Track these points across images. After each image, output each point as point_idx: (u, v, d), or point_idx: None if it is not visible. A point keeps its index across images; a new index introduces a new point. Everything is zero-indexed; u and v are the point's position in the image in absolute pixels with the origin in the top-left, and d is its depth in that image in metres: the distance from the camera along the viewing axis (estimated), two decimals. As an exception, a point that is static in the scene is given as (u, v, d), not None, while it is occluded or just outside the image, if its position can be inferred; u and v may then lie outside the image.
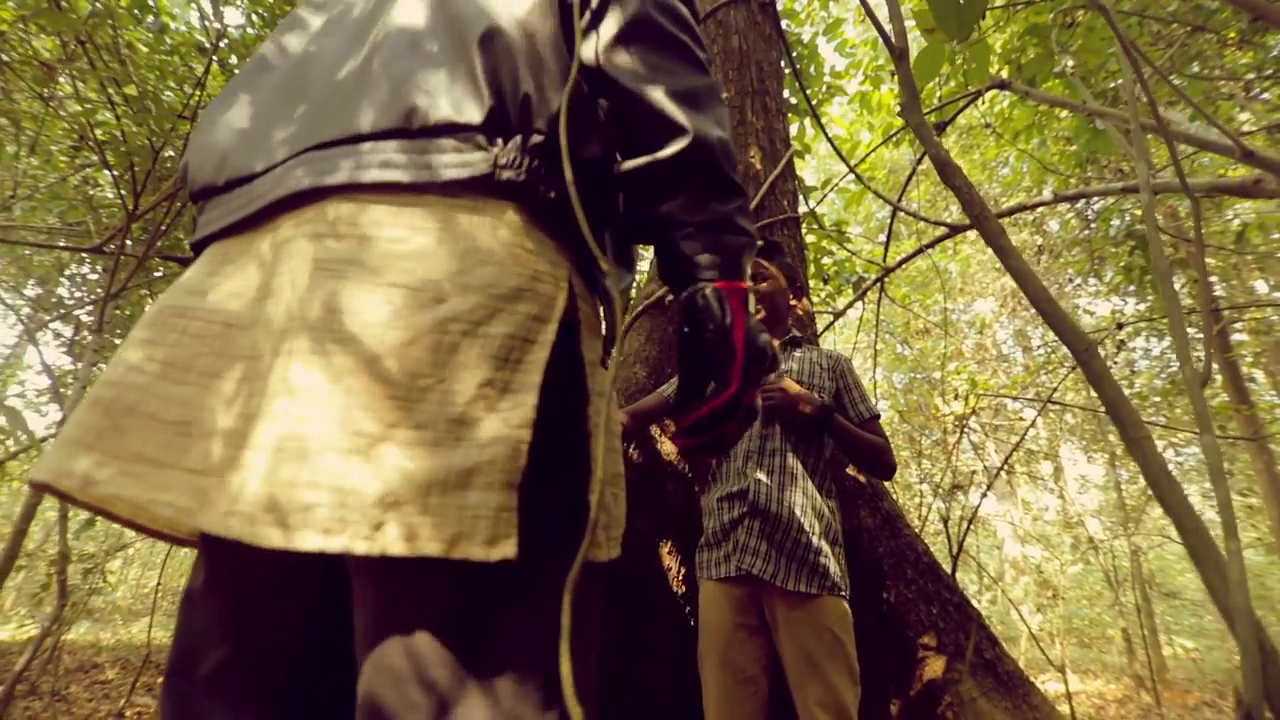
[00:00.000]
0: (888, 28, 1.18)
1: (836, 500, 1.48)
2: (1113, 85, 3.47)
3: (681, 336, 0.67)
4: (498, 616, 0.49)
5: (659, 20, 0.66)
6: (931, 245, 3.33)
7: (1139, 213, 5.04)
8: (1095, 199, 5.02)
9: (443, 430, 0.47)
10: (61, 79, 3.80)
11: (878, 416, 1.52)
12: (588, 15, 0.66)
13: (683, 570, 1.66)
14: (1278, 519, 5.11)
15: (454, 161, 0.55)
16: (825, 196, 3.60)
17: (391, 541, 0.44)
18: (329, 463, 0.45)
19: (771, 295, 1.59)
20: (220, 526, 0.48)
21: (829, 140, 3.16)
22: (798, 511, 1.39)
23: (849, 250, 3.86)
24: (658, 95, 0.64)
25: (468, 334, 0.49)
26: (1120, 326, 3.31)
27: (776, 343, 1.62)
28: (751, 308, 0.67)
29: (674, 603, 1.63)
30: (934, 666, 1.51)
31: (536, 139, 0.58)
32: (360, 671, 0.49)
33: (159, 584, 4.15)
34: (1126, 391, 6.43)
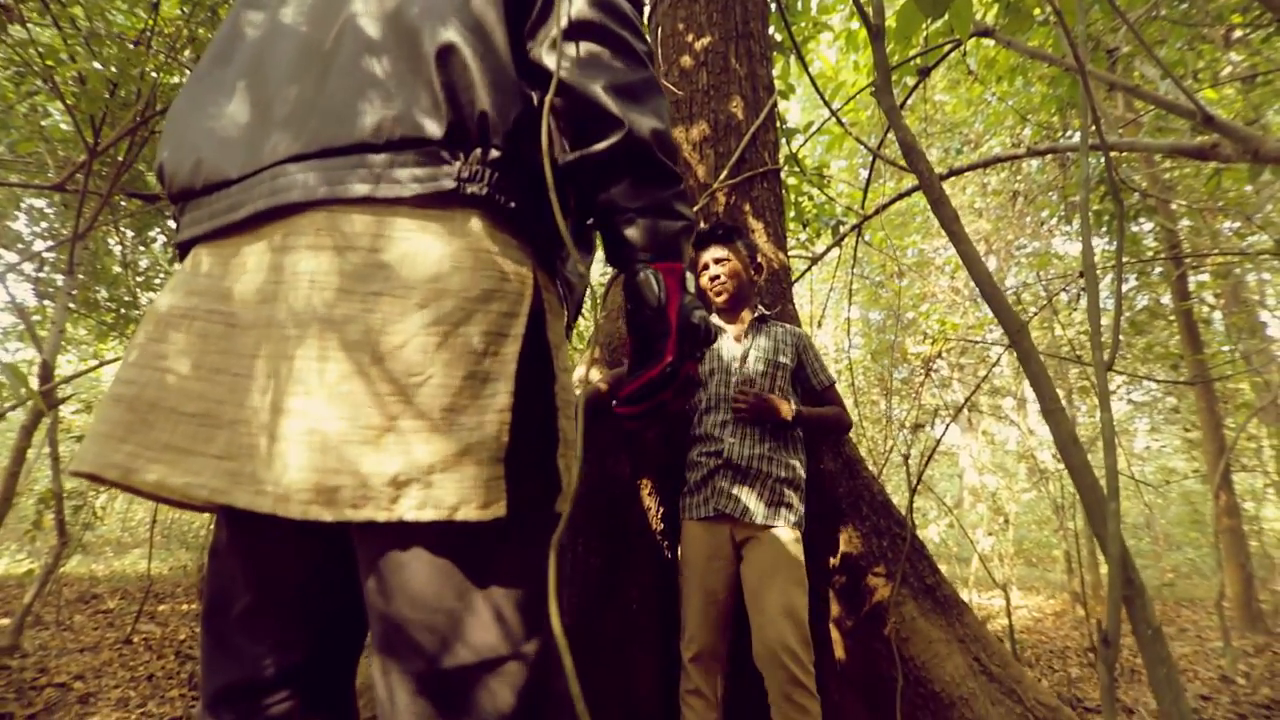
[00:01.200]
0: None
1: (802, 453, 1.70)
2: (1098, 31, 3.45)
3: (626, 314, 0.74)
4: (491, 558, 0.60)
5: (600, 18, 0.70)
6: (909, 193, 3.38)
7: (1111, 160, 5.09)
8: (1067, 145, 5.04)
9: (438, 418, 0.56)
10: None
11: (834, 383, 1.78)
12: (534, 13, 0.70)
13: (661, 509, 1.81)
14: (1213, 452, 5.50)
15: (421, 176, 0.61)
16: (805, 141, 3.59)
17: (406, 510, 0.54)
18: (349, 452, 0.55)
19: (734, 274, 1.77)
20: (265, 504, 0.58)
21: (813, 84, 3.13)
22: (765, 464, 1.62)
23: (829, 196, 3.89)
24: (596, 90, 0.68)
25: (449, 334, 0.58)
26: (1081, 274, 3.44)
27: (714, 318, 1.79)
28: (690, 287, 0.74)
29: (653, 538, 1.79)
30: (882, 592, 1.71)
31: (495, 153, 0.64)
32: (373, 605, 0.59)
33: (153, 521, 4.28)
34: (1082, 330, 6.70)
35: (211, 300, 0.65)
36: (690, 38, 2.59)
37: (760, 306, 1.84)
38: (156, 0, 3.09)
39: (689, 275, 0.75)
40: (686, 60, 2.56)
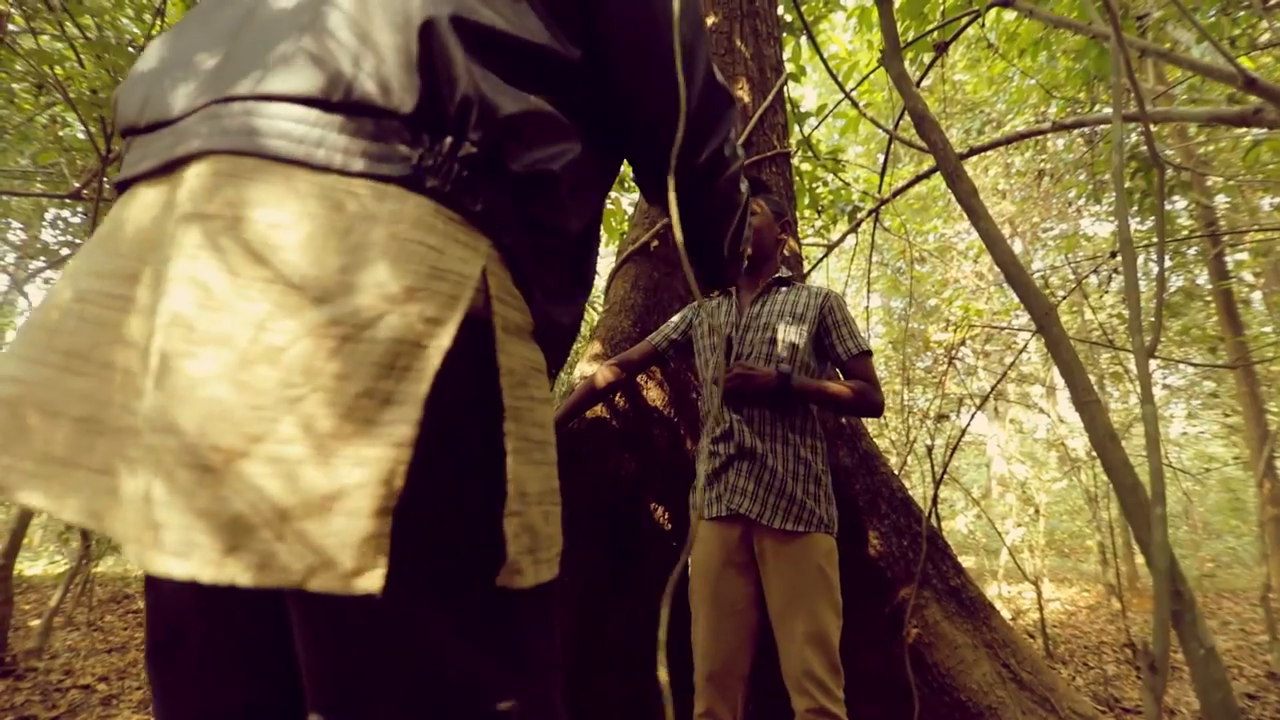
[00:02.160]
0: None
1: (823, 440, 1.52)
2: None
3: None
4: (393, 657, 0.49)
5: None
6: (927, 175, 3.25)
7: (1142, 134, 4.87)
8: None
9: (309, 447, 0.42)
10: (11, 10, 3.58)
11: (868, 352, 1.51)
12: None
13: (668, 511, 1.75)
14: (1256, 437, 5.26)
15: (371, 151, 0.49)
16: (819, 124, 3.47)
17: (241, 570, 0.41)
18: (182, 479, 0.42)
19: (758, 231, 1.57)
20: (118, 536, 0.47)
21: (824, 64, 3.02)
22: (782, 453, 1.44)
23: (844, 180, 3.77)
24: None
25: (349, 339, 0.44)
26: (1114, 255, 3.29)
27: (753, 295, 1.61)
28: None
29: (662, 539, 1.72)
30: (903, 595, 1.62)
31: (468, 148, 0.53)
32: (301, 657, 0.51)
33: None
34: (1117, 313, 6.45)
35: (106, 279, 0.54)
36: (694, 19, 2.50)
37: (783, 269, 1.64)
38: (161, 8, 3.09)
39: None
40: (690, 43, 2.47)
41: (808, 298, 1.56)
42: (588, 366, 1.80)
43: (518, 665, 0.54)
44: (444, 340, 0.47)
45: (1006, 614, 5.33)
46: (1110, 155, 4.46)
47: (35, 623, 4.04)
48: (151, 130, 0.56)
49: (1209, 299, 5.85)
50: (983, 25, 3.30)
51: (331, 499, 0.42)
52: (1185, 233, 5.18)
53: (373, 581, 0.42)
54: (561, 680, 0.61)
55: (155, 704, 0.61)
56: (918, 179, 3.23)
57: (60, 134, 4.61)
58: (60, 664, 3.30)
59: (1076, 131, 4.50)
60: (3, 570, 3.23)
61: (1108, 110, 2.54)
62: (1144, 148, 3.86)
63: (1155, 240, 4.35)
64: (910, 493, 1.86)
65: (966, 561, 8.95)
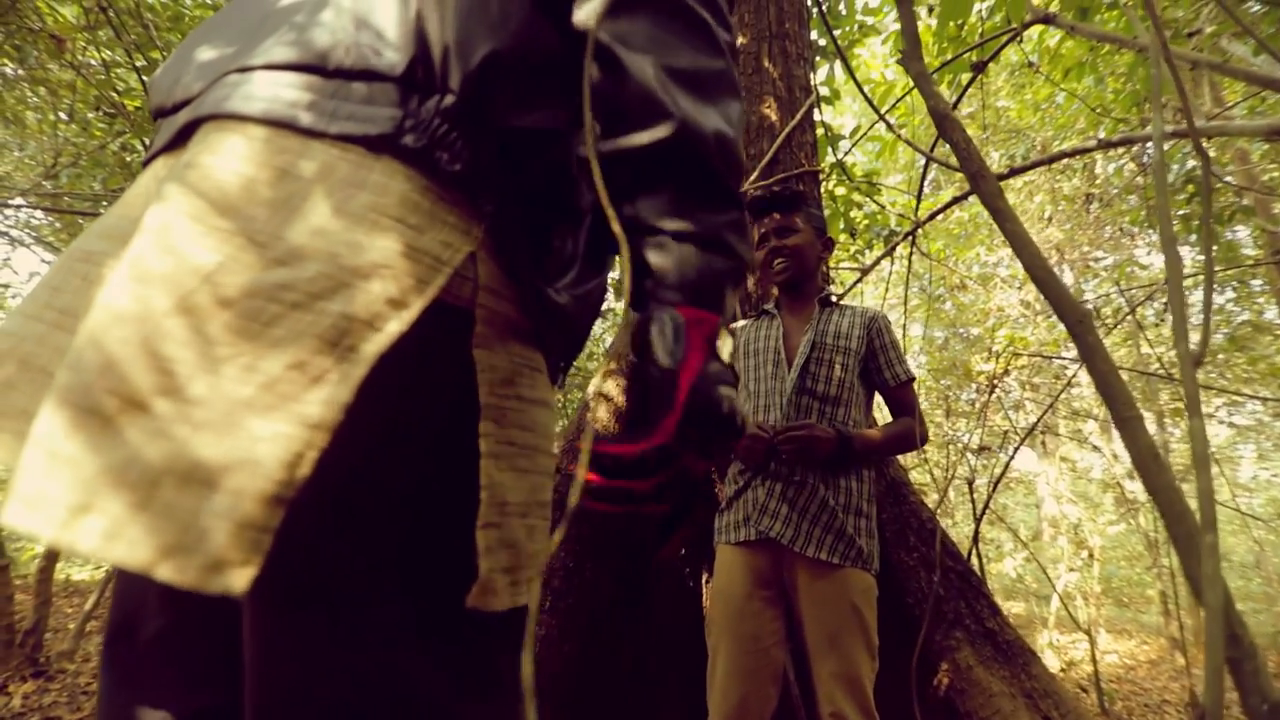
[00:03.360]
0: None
1: (871, 471, 1.42)
2: (1177, 16, 3.15)
3: (633, 368, 0.60)
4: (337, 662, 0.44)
5: None
6: (963, 198, 3.15)
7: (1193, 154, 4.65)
8: (1148, 146, 4.64)
9: (216, 412, 0.38)
10: (88, 46, 3.86)
11: (912, 379, 1.44)
12: None
13: (687, 535, 1.67)
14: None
15: (355, 113, 0.47)
16: (853, 146, 3.43)
17: (85, 534, 0.36)
18: (56, 423, 0.38)
19: (800, 249, 1.48)
20: None
21: (857, 85, 2.98)
22: (822, 475, 1.33)
23: (878, 203, 3.69)
24: (647, 71, 0.53)
25: (298, 306, 0.41)
26: (1167, 281, 3.10)
27: (805, 315, 1.48)
28: (723, 352, 0.54)
29: (677, 566, 1.65)
30: (932, 634, 1.50)
31: (449, 100, 0.49)
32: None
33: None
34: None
35: (110, 237, 0.54)
36: (722, 40, 2.51)
37: (828, 288, 1.55)
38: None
39: (724, 335, 0.54)
40: (718, 63, 2.48)
41: (853, 319, 1.47)
42: (603, 383, 1.76)
43: (484, 692, 0.49)
44: (398, 325, 0.43)
45: (1056, 664, 4.98)
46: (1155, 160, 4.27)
47: (74, 625, 4.16)
48: (176, 110, 0.55)
49: (1278, 332, 5.48)
50: (1020, 42, 3.22)
51: (220, 472, 0.37)
52: (1250, 261, 4.89)
53: (236, 580, 0.36)
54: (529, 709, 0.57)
55: (99, 698, 0.57)
56: (954, 201, 3.13)
57: (128, 160, 4.91)
58: (91, 667, 3.36)
59: (1126, 155, 4.33)
60: (43, 573, 3.34)
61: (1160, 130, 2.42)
62: (1199, 170, 3.68)
63: (1216, 270, 4.11)
64: (952, 530, 1.74)
65: (1015, 607, 8.45)
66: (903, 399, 1.42)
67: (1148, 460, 0.72)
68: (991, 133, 6.85)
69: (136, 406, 0.38)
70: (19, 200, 5.39)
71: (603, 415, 1.65)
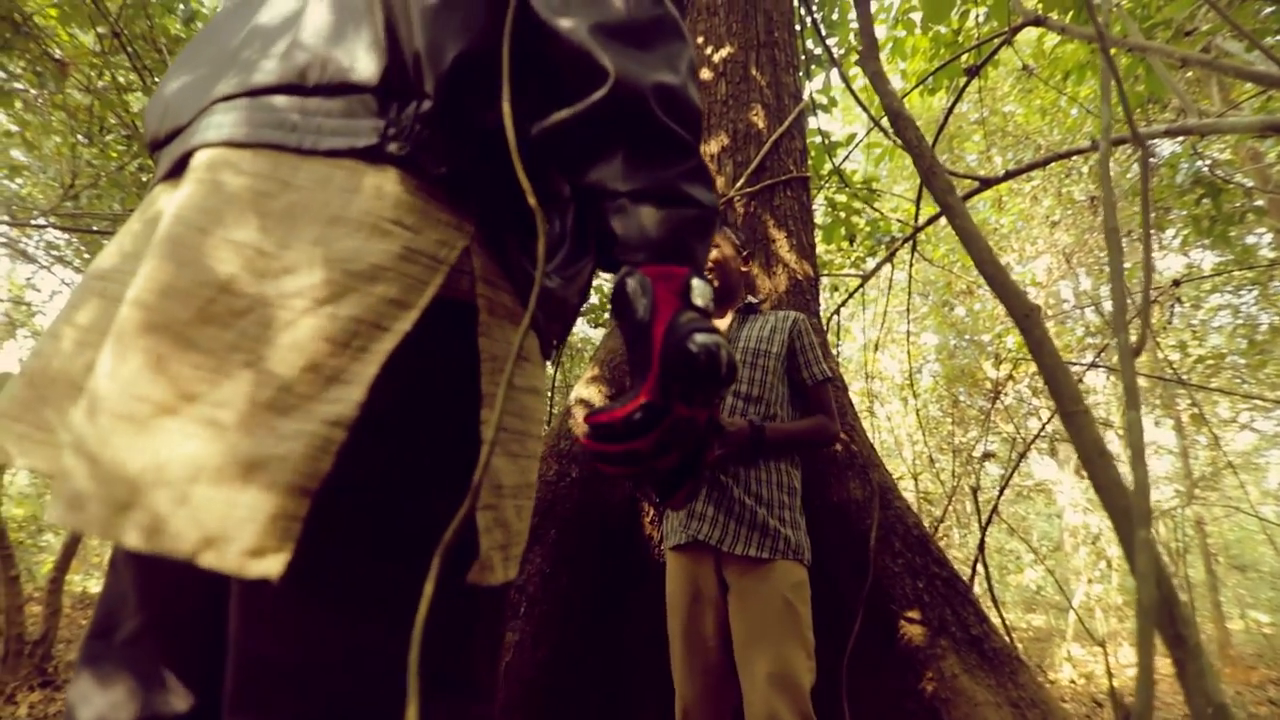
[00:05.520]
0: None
1: (796, 461, 1.45)
2: (1178, 17, 3.12)
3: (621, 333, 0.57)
4: (340, 635, 0.46)
5: None
6: (966, 197, 3.12)
7: (1210, 157, 4.58)
8: (1165, 144, 4.57)
9: (241, 413, 0.41)
10: (103, 70, 3.98)
11: (830, 379, 1.48)
12: None
13: (663, 539, 1.66)
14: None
15: (340, 128, 0.49)
16: (849, 154, 3.42)
17: (129, 530, 0.39)
18: (101, 426, 0.41)
19: (721, 266, 1.54)
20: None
21: (851, 92, 2.99)
22: (745, 474, 1.36)
23: (875, 210, 3.68)
24: (578, 31, 0.52)
25: (308, 312, 0.44)
26: (1177, 284, 3.05)
27: (725, 324, 1.52)
28: (697, 299, 0.53)
29: (655, 571, 1.64)
30: (916, 641, 1.47)
31: (426, 105, 0.51)
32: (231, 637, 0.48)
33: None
34: (1197, 350, 5.95)
35: (121, 255, 0.56)
36: (709, 50, 2.52)
37: (749, 297, 1.60)
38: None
39: (696, 284, 0.54)
40: (705, 73, 2.49)
41: (777, 321, 1.52)
42: (584, 389, 1.76)
43: (466, 674, 0.51)
44: (404, 324, 0.46)
45: (1075, 677, 4.83)
46: (1168, 178, 4.20)
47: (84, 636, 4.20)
48: (169, 140, 0.58)
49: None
50: (1012, 45, 3.20)
51: (250, 468, 0.40)
52: (1267, 263, 4.78)
53: (272, 566, 0.39)
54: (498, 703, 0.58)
55: (73, 690, 0.57)
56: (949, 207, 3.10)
57: (145, 180, 5.05)
58: (99, 678, 3.40)
59: (1130, 158, 4.27)
60: (53, 584, 3.40)
61: (1153, 126, 2.39)
62: (1208, 172, 3.60)
63: (1224, 271, 4.02)
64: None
65: (1035, 620, 8.23)
66: (818, 397, 1.46)
67: (1093, 455, 0.70)
68: (999, 137, 6.80)
69: (167, 411, 0.41)
70: (41, 221, 5.55)
71: (582, 419, 1.66)
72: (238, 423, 0.41)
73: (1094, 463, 0.69)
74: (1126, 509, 0.66)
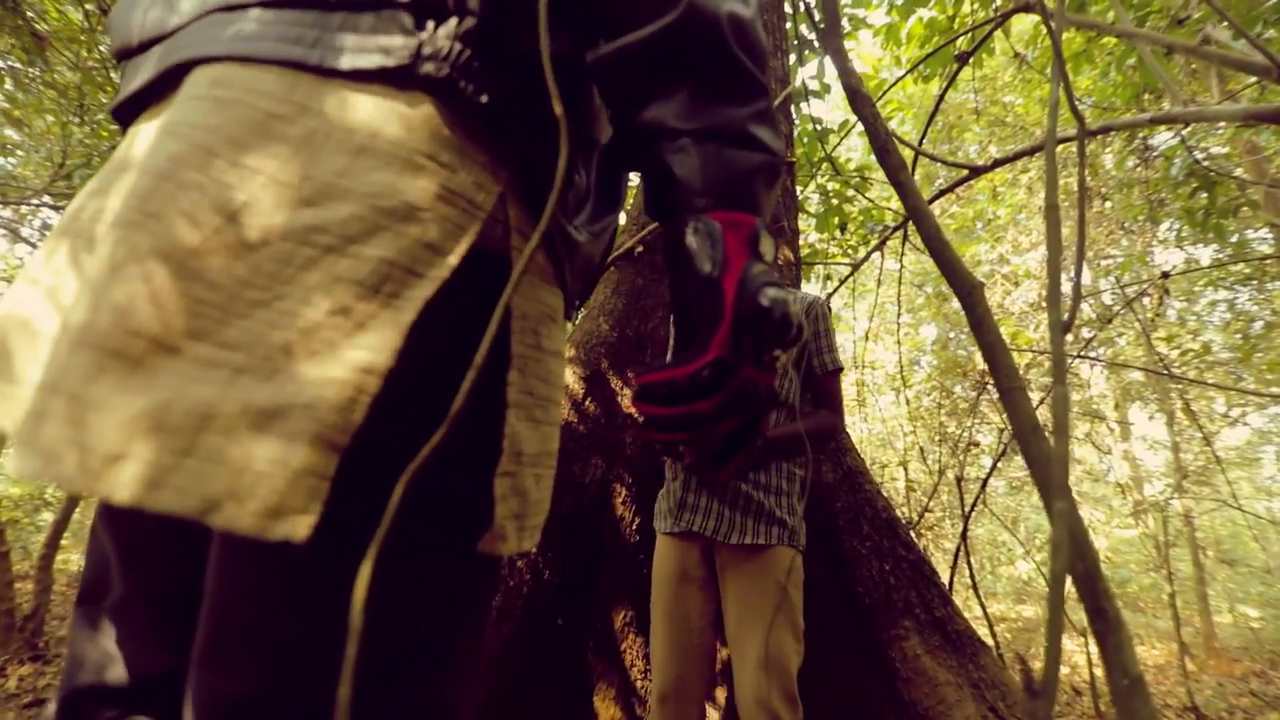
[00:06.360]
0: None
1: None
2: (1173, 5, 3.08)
3: (670, 286, 0.51)
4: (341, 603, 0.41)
5: None
6: (950, 189, 3.11)
7: (1206, 149, 4.55)
8: (1150, 136, 4.53)
9: (256, 356, 0.36)
10: (94, 49, 3.95)
11: (840, 370, 1.44)
12: None
13: (636, 520, 1.67)
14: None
15: (366, 45, 0.43)
16: (841, 141, 3.40)
17: (121, 484, 0.33)
18: (83, 363, 0.35)
19: None
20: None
21: (841, 77, 2.96)
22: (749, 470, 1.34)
23: (867, 199, 3.66)
24: None
25: (332, 250, 0.39)
26: (1165, 276, 3.04)
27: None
28: (765, 251, 0.49)
29: (626, 552, 1.65)
30: (881, 622, 1.49)
31: (469, 22, 0.45)
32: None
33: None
34: (1193, 344, 5.95)
35: (103, 192, 0.49)
36: (697, 32, 2.51)
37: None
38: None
39: (765, 236, 0.50)
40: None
41: (800, 304, 1.47)
42: (566, 375, 1.77)
43: (451, 649, 0.47)
44: (441, 271, 0.41)
45: (1060, 669, 4.84)
46: (1166, 170, 4.17)
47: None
48: (145, 49, 0.51)
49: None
50: (1003, 30, 3.17)
51: (268, 417, 0.34)
52: (1260, 257, 4.76)
53: (296, 528, 0.34)
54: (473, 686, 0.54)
55: (66, 653, 0.57)
56: (941, 193, 3.09)
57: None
58: (89, 654, 3.44)
59: (1127, 149, 4.24)
60: (44, 560, 3.43)
61: (1142, 115, 2.37)
62: (1202, 165, 3.58)
63: (1218, 264, 4.00)
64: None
65: (1026, 611, 8.28)
66: (827, 389, 1.42)
67: (1026, 431, 0.71)
68: (998, 127, 6.75)
69: (167, 349, 0.35)
70: (34, 200, 5.54)
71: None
72: (253, 366, 0.35)
73: (1026, 438, 0.70)
74: (1047, 481, 0.66)
